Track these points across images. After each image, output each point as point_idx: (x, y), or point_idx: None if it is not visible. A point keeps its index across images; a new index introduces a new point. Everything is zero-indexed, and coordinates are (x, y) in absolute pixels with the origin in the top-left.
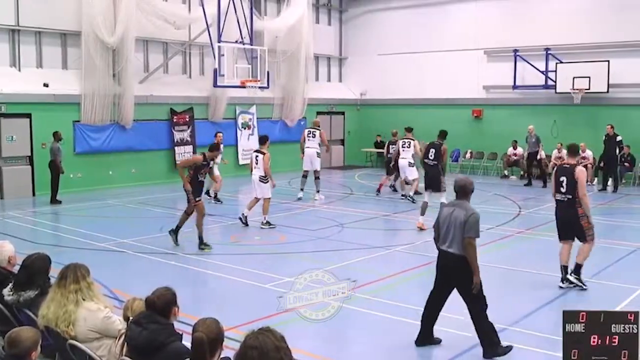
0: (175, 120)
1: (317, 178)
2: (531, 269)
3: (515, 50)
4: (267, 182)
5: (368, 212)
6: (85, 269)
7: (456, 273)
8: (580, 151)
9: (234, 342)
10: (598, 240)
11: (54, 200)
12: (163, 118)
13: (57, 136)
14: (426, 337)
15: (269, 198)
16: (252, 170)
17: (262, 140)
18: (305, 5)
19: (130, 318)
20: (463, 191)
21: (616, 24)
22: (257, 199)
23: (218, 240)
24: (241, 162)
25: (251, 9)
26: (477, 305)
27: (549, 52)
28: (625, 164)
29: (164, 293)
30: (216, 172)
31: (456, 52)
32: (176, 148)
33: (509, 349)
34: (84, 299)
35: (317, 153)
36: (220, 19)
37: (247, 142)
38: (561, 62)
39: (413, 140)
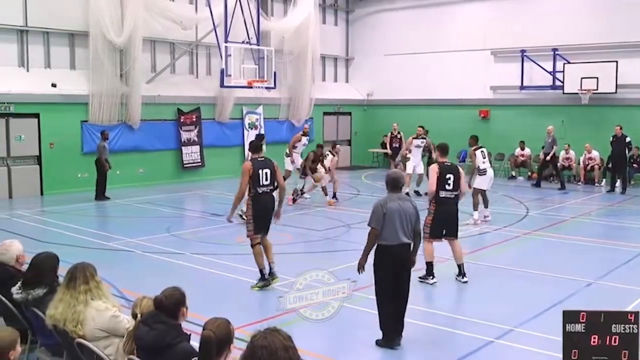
0: (182, 120)
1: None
2: (538, 270)
3: (523, 51)
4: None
5: None
6: (92, 268)
7: (406, 261)
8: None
9: (240, 343)
10: (606, 241)
11: (100, 197)
12: (170, 118)
13: (104, 135)
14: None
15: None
16: None
17: (333, 145)
18: (312, 6)
19: (139, 316)
20: (398, 185)
21: (624, 24)
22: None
23: (225, 241)
24: None
25: (258, 9)
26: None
27: (556, 52)
28: (634, 165)
29: (172, 293)
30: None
31: (463, 52)
32: (183, 148)
33: None
34: (92, 299)
35: None
36: (227, 20)
37: None
38: (569, 63)
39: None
